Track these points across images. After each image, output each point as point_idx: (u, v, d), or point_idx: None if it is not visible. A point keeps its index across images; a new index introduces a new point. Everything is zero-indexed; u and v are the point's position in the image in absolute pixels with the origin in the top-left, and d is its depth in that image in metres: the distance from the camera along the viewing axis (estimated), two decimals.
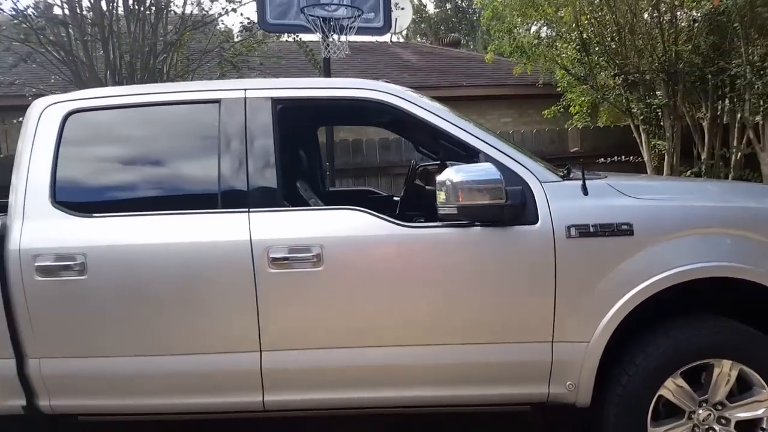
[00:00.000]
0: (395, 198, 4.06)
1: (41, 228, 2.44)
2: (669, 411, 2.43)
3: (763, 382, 2.37)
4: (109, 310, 2.42)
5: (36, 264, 2.38)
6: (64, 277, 2.39)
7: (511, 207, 2.30)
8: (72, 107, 2.59)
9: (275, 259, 2.35)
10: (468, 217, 2.32)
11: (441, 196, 2.32)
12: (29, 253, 2.39)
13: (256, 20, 6.01)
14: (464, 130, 2.53)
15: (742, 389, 2.43)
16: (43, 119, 2.57)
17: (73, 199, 2.54)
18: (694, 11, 6.14)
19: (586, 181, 2.43)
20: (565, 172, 2.59)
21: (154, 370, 2.44)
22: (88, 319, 2.43)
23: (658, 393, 2.37)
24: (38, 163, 2.51)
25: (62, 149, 2.53)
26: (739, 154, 6.31)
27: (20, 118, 5.61)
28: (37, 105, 2.64)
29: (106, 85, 5.49)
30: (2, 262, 2.39)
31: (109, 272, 2.40)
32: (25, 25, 5.23)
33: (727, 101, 6.38)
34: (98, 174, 2.67)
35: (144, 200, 2.59)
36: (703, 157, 6.51)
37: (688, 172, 6.47)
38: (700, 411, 2.40)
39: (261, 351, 2.41)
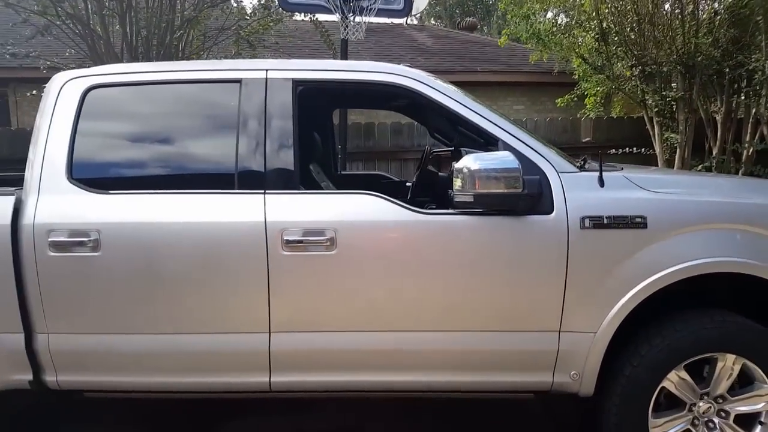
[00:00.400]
0: (407, 183, 4.07)
1: (56, 203, 2.45)
2: (670, 402, 2.46)
3: (765, 378, 2.40)
4: (122, 288, 2.43)
5: (50, 239, 2.40)
6: (78, 253, 2.40)
7: (528, 196, 2.31)
8: (92, 83, 2.59)
9: (289, 242, 2.38)
10: (484, 205, 2.33)
11: (457, 183, 2.33)
12: (43, 228, 2.40)
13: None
14: (485, 118, 2.54)
15: (743, 383, 2.46)
16: (63, 94, 2.58)
17: (90, 175, 2.54)
18: (716, 3, 6.06)
19: (603, 173, 2.44)
20: (582, 162, 2.59)
21: (162, 348, 2.47)
22: (99, 295, 2.45)
23: (661, 385, 2.40)
24: (56, 139, 2.52)
25: (81, 125, 2.54)
26: (751, 149, 6.26)
27: (34, 91, 5.68)
28: (57, 80, 2.64)
29: (122, 60, 5.49)
30: (16, 237, 2.40)
31: (123, 249, 2.42)
32: None
33: (742, 96, 6.32)
34: (115, 151, 2.68)
35: (160, 178, 2.60)
36: (714, 152, 6.47)
37: (699, 167, 6.43)
38: (701, 403, 2.44)
39: (270, 332, 2.44)
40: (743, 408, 2.45)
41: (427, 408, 3.28)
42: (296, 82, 2.57)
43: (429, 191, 3.57)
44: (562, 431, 3.17)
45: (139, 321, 2.46)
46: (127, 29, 5.49)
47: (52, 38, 5.56)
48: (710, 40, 6.03)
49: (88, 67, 5.29)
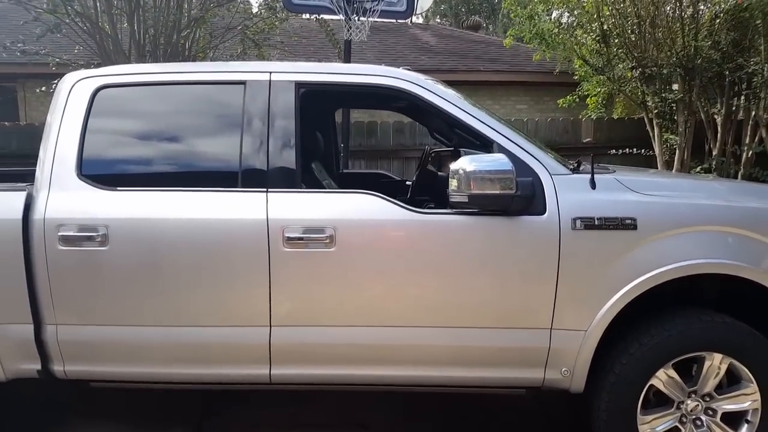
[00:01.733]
0: (407, 182, 4.14)
1: (66, 199, 2.53)
2: (659, 400, 2.52)
3: (752, 377, 2.46)
4: (128, 281, 2.51)
5: (59, 233, 2.48)
6: (86, 247, 2.49)
7: (521, 198, 2.38)
8: (102, 82, 2.68)
9: (290, 239, 2.45)
10: (478, 205, 2.40)
11: (453, 184, 2.40)
12: (53, 223, 2.49)
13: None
14: (479, 120, 2.61)
15: (730, 382, 2.53)
16: (74, 93, 2.66)
17: (99, 172, 2.62)
18: (717, 6, 6.09)
19: (595, 176, 2.51)
20: (576, 165, 2.65)
21: (167, 340, 2.54)
22: (107, 288, 2.53)
23: (650, 382, 2.46)
24: (66, 136, 2.60)
25: (90, 123, 2.62)
26: (751, 152, 6.31)
27: (42, 87, 5.76)
28: (68, 79, 2.72)
29: (130, 58, 5.57)
30: (26, 231, 2.48)
31: (130, 244, 2.50)
32: None
33: (742, 98, 6.36)
34: (124, 149, 2.76)
35: (167, 176, 2.68)
36: (714, 154, 6.52)
37: (699, 168, 6.48)
38: (689, 401, 2.50)
39: (270, 326, 2.52)
40: (730, 406, 2.51)
41: (422, 401, 3.35)
42: (299, 84, 2.65)
43: (428, 190, 3.64)
44: (554, 427, 3.23)
45: (144, 313, 2.54)
46: (135, 28, 5.57)
47: (61, 36, 5.64)
48: (710, 42, 6.08)
49: (97, 64, 5.40)
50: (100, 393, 3.19)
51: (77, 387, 2.79)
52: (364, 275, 2.50)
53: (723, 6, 5.90)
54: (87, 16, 5.50)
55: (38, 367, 2.60)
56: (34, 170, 2.65)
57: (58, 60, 5.78)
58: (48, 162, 2.59)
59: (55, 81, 4.44)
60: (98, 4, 5.63)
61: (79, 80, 2.69)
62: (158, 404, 3.37)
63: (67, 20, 5.46)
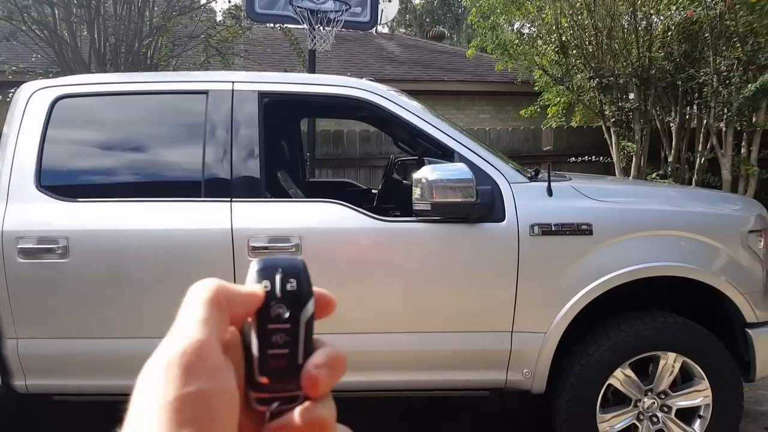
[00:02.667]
0: (373, 191, 4.18)
1: (25, 211, 2.49)
2: (617, 399, 2.61)
3: (703, 374, 2.56)
4: (90, 293, 2.48)
5: (18, 246, 2.43)
6: (47, 259, 2.44)
7: (481, 205, 2.44)
8: (61, 92, 2.64)
9: (255, 248, 2.46)
10: (440, 213, 2.45)
11: (416, 192, 2.45)
12: (12, 235, 2.43)
13: (243, 8, 6.06)
14: (440, 131, 2.67)
15: (684, 380, 2.63)
16: (32, 103, 2.62)
17: (58, 183, 2.58)
18: (668, 19, 6.35)
19: (552, 183, 2.59)
20: (533, 173, 2.74)
21: (130, 353, 2.51)
22: (68, 301, 2.48)
23: (608, 382, 2.54)
24: (24, 147, 2.56)
25: (49, 134, 2.58)
26: (703, 158, 6.56)
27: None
28: (26, 89, 2.68)
29: (90, 67, 5.48)
30: None
31: (91, 256, 2.46)
32: (10, 3, 5.19)
33: (694, 107, 6.62)
34: (84, 159, 2.73)
35: (128, 186, 2.67)
36: (669, 160, 6.76)
37: (654, 174, 6.71)
38: (646, 399, 2.59)
39: None
40: (684, 403, 2.61)
41: (389, 405, 3.38)
42: (262, 94, 2.67)
43: (394, 199, 3.69)
44: (518, 428, 3.30)
45: (107, 326, 2.51)
46: (96, 36, 5.48)
47: (17, 43, 5.52)
48: (663, 54, 6.32)
49: (55, 73, 5.29)
50: (66, 406, 3.12)
51: (40, 401, 2.72)
52: (331, 283, 2.48)
53: (674, 19, 6.15)
54: (45, 24, 5.40)
55: None
56: None
57: (14, 68, 5.65)
58: (5, 173, 2.54)
59: (12, 90, 4.34)
60: (56, 11, 5.53)
61: (37, 90, 2.65)
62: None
63: (24, 28, 5.34)
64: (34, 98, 2.63)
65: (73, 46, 5.50)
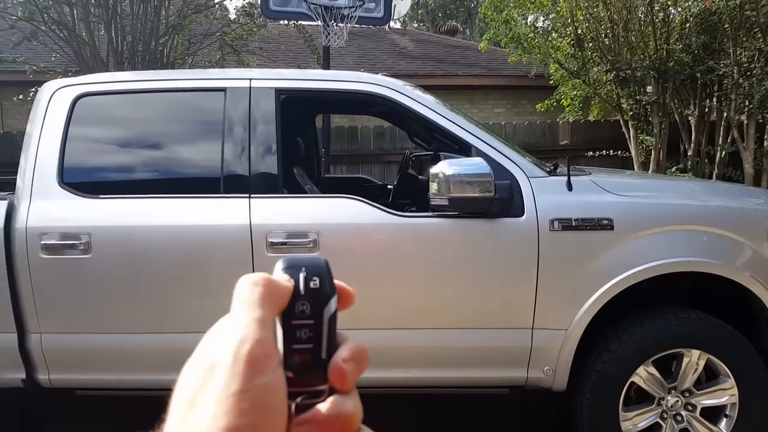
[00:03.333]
0: (389, 186, 4.17)
1: (48, 208, 2.52)
2: (640, 397, 2.58)
3: (729, 372, 2.51)
4: (112, 289, 2.51)
5: (42, 242, 2.46)
6: (69, 255, 2.47)
7: (499, 200, 2.42)
8: (82, 91, 2.66)
9: (273, 244, 2.46)
10: (458, 208, 2.43)
11: (433, 187, 2.43)
12: (35, 232, 2.47)
13: (258, 6, 6.08)
14: (457, 125, 2.65)
15: (709, 378, 2.58)
16: (53, 102, 2.65)
17: (80, 180, 2.62)
18: (687, 11, 6.24)
19: (571, 177, 2.56)
20: (552, 167, 2.71)
21: (150, 347, 2.53)
22: (90, 296, 2.52)
23: (631, 380, 2.51)
24: (47, 145, 2.59)
25: (71, 132, 2.61)
26: (724, 152, 6.46)
27: (20, 96, 5.69)
28: (48, 88, 2.71)
29: (108, 66, 5.53)
30: (8, 240, 2.47)
31: (113, 252, 2.49)
32: (31, 5, 5.25)
33: (714, 100, 6.52)
34: (105, 157, 2.76)
35: (149, 183, 2.68)
36: (689, 154, 6.66)
37: (674, 168, 6.62)
38: (669, 397, 2.55)
39: None
40: (709, 401, 2.56)
41: (406, 402, 3.37)
42: (279, 91, 2.67)
43: (410, 194, 3.68)
44: (537, 425, 3.28)
45: (128, 321, 2.53)
46: (113, 35, 5.53)
47: (38, 43, 5.59)
48: (681, 46, 6.22)
49: (74, 71, 5.34)
50: (87, 400, 3.16)
51: (63, 395, 2.76)
52: (348, 278, 2.47)
53: (693, 10, 6.05)
54: (64, 24, 5.45)
55: (23, 376, 2.58)
56: (14, 180, 2.63)
57: (35, 68, 5.72)
58: (29, 171, 2.57)
59: (33, 89, 4.40)
60: (75, 11, 5.58)
61: (59, 89, 2.68)
62: (146, 412, 3.34)
63: (44, 28, 5.41)
64: (55, 97, 2.66)
65: (92, 45, 5.55)
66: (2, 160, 5.37)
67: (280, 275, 0.38)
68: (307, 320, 0.37)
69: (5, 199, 2.55)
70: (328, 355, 0.37)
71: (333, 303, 0.38)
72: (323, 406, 0.36)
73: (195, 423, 0.32)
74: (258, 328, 0.35)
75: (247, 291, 0.37)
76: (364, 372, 0.37)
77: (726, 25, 5.79)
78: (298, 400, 0.36)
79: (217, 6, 6.58)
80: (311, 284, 0.37)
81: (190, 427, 0.32)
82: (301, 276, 0.38)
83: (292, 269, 0.38)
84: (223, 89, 2.65)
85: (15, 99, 6.20)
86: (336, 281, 0.39)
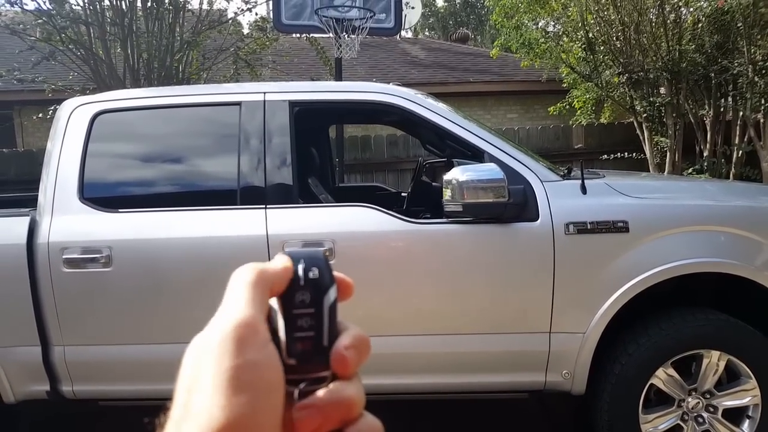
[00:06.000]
0: (403, 194, 4.19)
1: (69, 222, 2.57)
2: (660, 399, 2.56)
3: (750, 372, 2.49)
4: (133, 300, 2.55)
5: (64, 256, 2.51)
6: (91, 268, 2.52)
7: (514, 205, 2.42)
8: (100, 108, 2.73)
9: None
10: (472, 214, 2.44)
11: (447, 194, 2.45)
12: (57, 246, 2.52)
13: (270, 20, 6.17)
14: (469, 131, 2.67)
15: (730, 379, 2.56)
16: (73, 119, 2.71)
17: (100, 195, 2.67)
18: (698, 11, 6.21)
19: (585, 181, 2.56)
20: (566, 171, 2.71)
21: (173, 357, 2.56)
22: (112, 308, 2.56)
23: (650, 382, 2.49)
24: (67, 162, 2.65)
25: (90, 148, 2.67)
26: (740, 151, 6.39)
27: (39, 114, 5.83)
28: (67, 106, 2.78)
29: (125, 83, 5.64)
30: (31, 255, 2.52)
31: (133, 264, 2.53)
32: (48, 26, 5.39)
33: (729, 99, 6.46)
34: (124, 172, 2.82)
35: (167, 197, 2.73)
36: (705, 154, 6.60)
37: (690, 169, 6.56)
38: (690, 399, 2.53)
39: None
40: (731, 403, 2.53)
41: (424, 408, 3.37)
42: (292, 104, 2.71)
43: (424, 201, 3.69)
44: (557, 429, 3.26)
45: (150, 332, 2.57)
46: (129, 52, 5.64)
47: (56, 63, 5.72)
48: (694, 46, 6.19)
49: (92, 89, 5.46)
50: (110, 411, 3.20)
51: (86, 406, 2.80)
52: (364, 285, 2.53)
53: (705, 10, 6.02)
54: (81, 43, 5.57)
55: (47, 388, 2.63)
56: (35, 196, 2.69)
57: (53, 86, 5.85)
58: (50, 187, 2.63)
59: (52, 107, 4.50)
60: (91, 30, 5.71)
61: (78, 106, 2.74)
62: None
63: (62, 47, 5.53)
64: (75, 114, 2.73)
65: (108, 63, 5.66)
66: (23, 177, 5.50)
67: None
68: (307, 309, 0.38)
69: (27, 215, 2.61)
70: (330, 343, 0.38)
71: (332, 292, 0.39)
72: (324, 391, 0.37)
73: (195, 404, 0.34)
74: (243, 306, 0.36)
75: (237, 279, 0.38)
76: (366, 359, 0.39)
77: (739, 24, 5.75)
78: (302, 386, 0.37)
79: (230, 22, 6.68)
80: (310, 274, 0.38)
81: (192, 409, 0.34)
82: (300, 267, 0.39)
83: (291, 261, 0.39)
84: (238, 103, 2.70)
85: (35, 117, 6.33)
86: (335, 273, 0.40)
